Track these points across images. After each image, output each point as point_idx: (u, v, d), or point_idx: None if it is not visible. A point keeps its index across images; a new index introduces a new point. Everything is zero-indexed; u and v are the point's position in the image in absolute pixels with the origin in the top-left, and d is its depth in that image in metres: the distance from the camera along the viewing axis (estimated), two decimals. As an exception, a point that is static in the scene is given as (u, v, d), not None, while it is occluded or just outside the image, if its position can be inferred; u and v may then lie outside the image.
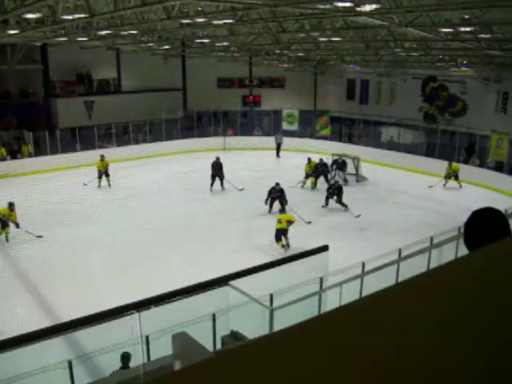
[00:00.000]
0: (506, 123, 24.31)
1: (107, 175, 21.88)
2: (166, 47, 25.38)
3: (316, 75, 34.37)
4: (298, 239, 14.77)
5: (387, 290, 0.99)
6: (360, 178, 23.27)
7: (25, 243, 14.99)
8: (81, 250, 14.13)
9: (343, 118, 31.15)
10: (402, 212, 18.65)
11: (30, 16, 14.66)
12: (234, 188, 20.93)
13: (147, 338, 6.52)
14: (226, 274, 7.31)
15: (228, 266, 8.98)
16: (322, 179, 21.91)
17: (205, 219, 17.40)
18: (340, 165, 23.48)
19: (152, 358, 6.51)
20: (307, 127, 31.66)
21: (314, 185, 21.80)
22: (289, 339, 0.85)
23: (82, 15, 13.62)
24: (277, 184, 18.35)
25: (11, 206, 15.68)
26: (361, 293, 9.45)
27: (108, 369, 7.08)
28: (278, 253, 13.99)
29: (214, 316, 7.07)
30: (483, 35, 14.37)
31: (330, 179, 22.13)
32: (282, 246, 14.94)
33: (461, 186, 22.05)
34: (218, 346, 6.83)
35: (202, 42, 22.26)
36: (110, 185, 21.92)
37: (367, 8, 11.24)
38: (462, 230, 2.53)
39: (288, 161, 26.68)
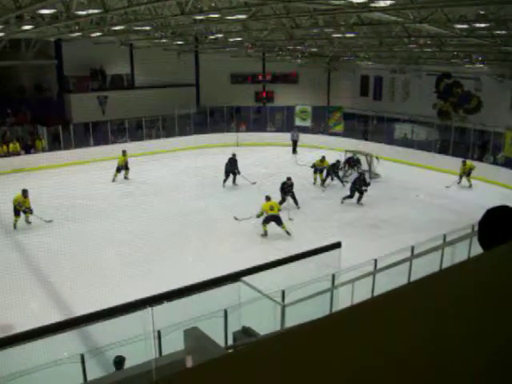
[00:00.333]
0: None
1: (127, 168, 22.46)
2: (180, 43, 25.43)
3: (329, 71, 34.24)
4: (310, 236, 14.78)
5: (400, 289, 0.98)
6: (373, 175, 23.17)
7: (36, 236, 15.17)
8: (94, 245, 14.25)
9: (356, 115, 30.99)
10: (415, 209, 18.56)
11: (44, 11, 14.77)
12: (248, 182, 20.93)
13: (159, 332, 6.55)
14: (238, 269, 7.33)
15: (239, 261, 9.00)
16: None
17: (217, 215, 17.43)
18: (354, 162, 23.40)
19: (164, 353, 6.54)
20: (320, 123, 31.57)
21: (323, 181, 21.73)
22: (301, 337, 0.85)
23: (96, 11, 13.70)
24: (288, 178, 18.48)
25: (25, 192, 16.53)
26: (373, 290, 9.43)
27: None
28: (289, 249, 13.98)
29: (225, 312, 7.08)
30: (499, 31, 14.23)
31: (342, 176, 22.09)
32: (265, 232, 15.57)
33: (470, 186, 21.89)
34: (230, 341, 6.85)
35: (215, 38, 22.27)
36: (127, 178, 22.42)
37: (382, 4, 11.18)
38: (476, 228, 2.51)
39: (301, 157, 26.63)
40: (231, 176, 21.28)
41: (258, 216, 15.90)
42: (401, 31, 16.22)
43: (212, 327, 6.82)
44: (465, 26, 13.90)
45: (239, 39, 22.56)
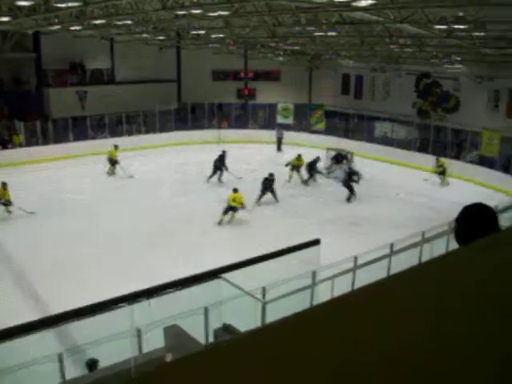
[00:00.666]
0: (497, 121, 24.46)
1: (116, 163, 22.35)
2: (161, 38, 25.28)
3: (311, 69, 34.33)
4: (290, 233, 14.81)
5: (378, 283, 1.00)
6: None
7: (13, 230, 15.03)
8: (73, 241, 14.13)
9: (338, 113, 31.12)
10: (394, 207, 18.72)
11: (22, 3, 14.51)
12: (234, 178, 20.86)
13: (139, 330, 6.52)
14: (219, 266, 7.33)
15: (221, 258, 8.99)
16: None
17: (199, 211, 17.36)
18: (341, 158, 23.64)
19: (144, 351, 6.51)
20: (302, 121, 31.65)
21: (306, 181, 21.86)
22: (281, 331, 0.86)
23: (76, 3, 13.56)
24: (270, 175, 18.77)
25: (4, 185, 16.57)
26: (353, 287, 9.50)
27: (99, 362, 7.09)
28: (270, 246, 14.01)
29: (206, 309, 7.08)
30: (477, 33, 14.40)
31: (327, 173, 22.58)
32: (220, 222, 16.31)
33: (443, 182, 22.33)
34: (211, 339, 6.85)
35: (197, 34, 22.19)
36: (113, 173, 22.33)
37: (363, 3, 11.25)
38: (453, 225, 2.55)
39: (283, 155, 26.63)
40: (218, 173, 21.25)
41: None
42: (382, 31, 16.33)
43: (193, 325, 6.82)
44: (444, 27, 14.05)
45: (221, 36, 22.51)
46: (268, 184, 18.66)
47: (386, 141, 27.68)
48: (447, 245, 10.37)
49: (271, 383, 0.73)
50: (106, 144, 24.04)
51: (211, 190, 20.23)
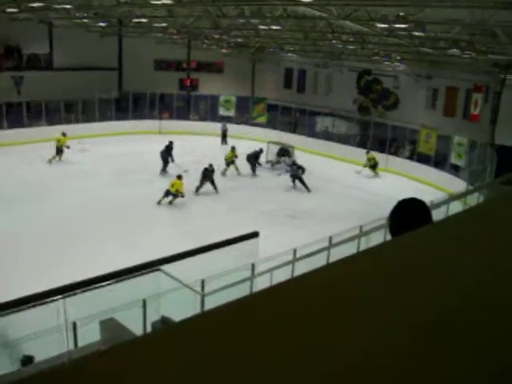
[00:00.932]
0: (435, 118, 25.30)
1: (61, 151, 22.02)
2: (102, 25, 24.64)
3: (254, 62, 34.38)
4: (230, 225, 14.82)
5: (313, 272, 1.01)
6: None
7: None
8: (4, 234, 13.64)
9: (280, 107, 31.34)
10: (332, 200, 19.06)
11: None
12: (180, 170, 20.60)
13: (74, 324, 6.37)
14: (157, 258, 7.26)
15: (160, 250, 8.90)
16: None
17: (136, 203, 17.10)
18: (284, 152, 23.90)
19: (79, 345, 6.38)
20: (244, 114, 31.67)
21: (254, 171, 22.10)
22: (217, 318, 0.86)
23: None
24: (210, 165, 18.96)
25: None
26: (291, 279, 9.59)
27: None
28: (208, 238, 13.99)
29: (144, 301, 7.00)
30: (417, 33, 14.78)
31: (272, 165, 23.10)
32: (159, 202, 17.13)
33: (377, 175, 23.27)
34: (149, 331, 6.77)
35: (139, 22, 21.78)
36: (60, 160, 22.00)
37: (307, -2, 11.33)
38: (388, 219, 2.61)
39: (225, 146, 26.58)
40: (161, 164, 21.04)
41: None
42: (325, 27, 16.52)
43: (131, 317, 6.73)
44: (385, 26, 14.34)
45: (164, 25, 22.18)
46: (207, 174, 18.78)
47: (327, 135, 28.10)
48: (384, 238, 10.63)
49: (205, 369, 0.73)
50: (42, 132, 23.28)
51: (151, 180, 19.95)
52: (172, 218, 16.20)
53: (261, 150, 22.42)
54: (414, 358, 0.78)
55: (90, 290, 6.10)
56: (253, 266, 9.15)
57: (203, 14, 17.26)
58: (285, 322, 0.85)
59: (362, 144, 26.81)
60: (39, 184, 18.57)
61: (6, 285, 9.48)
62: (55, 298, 5.87)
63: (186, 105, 32.44)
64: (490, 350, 0.79)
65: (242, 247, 8.32)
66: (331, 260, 10.16)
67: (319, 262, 9.84)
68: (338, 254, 10.07)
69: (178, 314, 6.77)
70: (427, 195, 9.19)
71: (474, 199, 13.48)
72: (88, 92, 27.24)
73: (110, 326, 5.27)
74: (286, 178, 21.10)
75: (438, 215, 2.53)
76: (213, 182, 18.89)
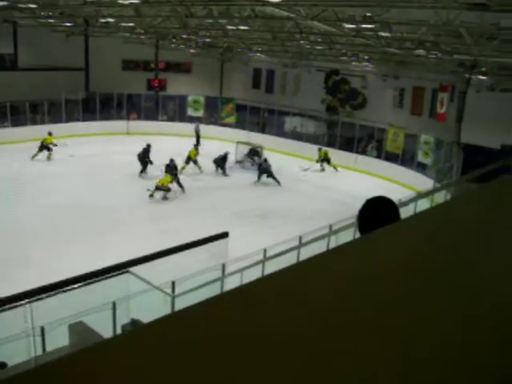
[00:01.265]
0: (402, 118, 25.69)
1: (49, 149, 22.54)
2: (68, 24, 24.28)
3: (223, 62, 34.34)
4: (200, 226, 14.77)
5: (284, 271, 1.02)
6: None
7: None
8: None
9: (248, 107, 31.37)
10: (302, 200, 19.16)
11: None
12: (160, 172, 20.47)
13: (42, 329, 6.26)
14: (126, 260, 7.18)
15: (129, 252, 8.82)
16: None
17: (106, 205, 16.89)
18: (254, 153, 24.05)
19: (48, 350, 6.27)
20: (213, 114, 31.59)
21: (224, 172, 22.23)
22: (185, 320, 0.86)
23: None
24: (171, 160, 19.07)
25: None
26: (262, 279, 9.60)
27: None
28: (178, 239, 13.92)
29: (114, 304, 6.92)
30: (383, 33, 14.96)
31: (243, 164, 23.60)
32: (151, 195, 17.74)
33: (337, 170, 23.88)
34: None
35: (106, 22, 21.54)
36: (49, 159, 22.52)
37: (275, -1, 11.35)
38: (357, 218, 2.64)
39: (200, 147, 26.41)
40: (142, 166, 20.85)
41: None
42: (293, 27, 16.59)
43: (100, 321, 6.64)
44: (353, 26, 14.47)
45: (132, 25, 21.97)
46: (168, 170, 18.68)
47: (296, 135, 28.23)
48: (354, 236, 10.73)
49: (176, 370, 0.72)
50: (6, 133, 22.83)
51: (121, 181, 19.75)
52: (141, 219, 16.05)
53: (227, 153, 22.41)
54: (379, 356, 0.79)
55: (59, 293, 6.00)
56: (223, 266, 9.14)
57: (171, 14, 17.16)
58: (255, 320, 0.85)
59: (330, 143, 27.02)
60: (4, 185, 18.19)
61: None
62: (22, 303, 5.76)
63: (154, 105, 32.19)
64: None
65: (211, 248, 8.29)
66: (301, 259, 10.22)
67: (289, 261, 9.88)
68: (307, 253, 10.14)
69: (148, 317, 6.72)
70: (395, 193, 9.30)
71: (441, 197, 13.73)
72: (54, 92, 26.81)
73: (78, 329, 5.20)
74: (254, 178, 21.18)
75: (405, 213, 2.57)
76: (177, 179, 18.83)
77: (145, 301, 7.29)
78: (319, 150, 24.43)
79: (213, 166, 22.11)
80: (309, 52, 25.11)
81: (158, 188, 17.86)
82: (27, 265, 11.75)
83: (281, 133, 28.76)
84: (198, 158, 22.09)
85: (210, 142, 24.57)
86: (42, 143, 22.44)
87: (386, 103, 27.08)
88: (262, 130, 29.90)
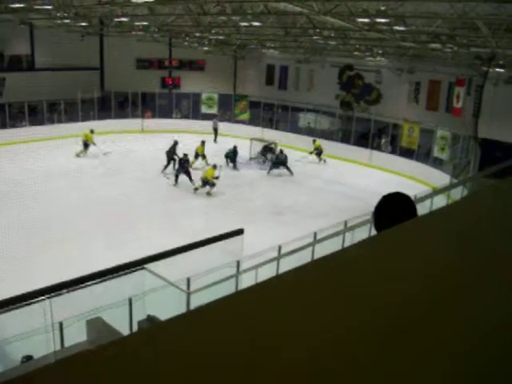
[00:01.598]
0: (418, 112, 25.46)
1: (88, 146, 23.69)
2: (83, 24, 24.44)
3: (236, 59, 34.33)
4: (214, 223, 14.81)
5: (301, 268, 1.01)
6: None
7: None
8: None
9: (262, 103, 31.33)
10: (317, 196, 19.11)
11: None
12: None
13: (61, 324, 6.33)
14: (142, 257, 7.22)
15: (145, 249, 8.87)
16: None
17: (124, 202, 17.00)
18: (268, 150, 24.06)
19: (66, 345, 6.33)
20: (226, 111, 31.62)
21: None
22: (203, 317, 0.86)
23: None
24: (185, 155, 19.66)
25: None
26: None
27: (19, 358, 6.83)
28: (194, 236, 13.96)
29: (130, 300, 6.97)
30: (397, 27, 14.86)
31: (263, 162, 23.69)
32: (196, 188, 18.62)
33: (325, 161, 24.47)
34: (135, 330, 6.74)
35: (120, 21, 21.65)
36: (84, 154, 23.60)
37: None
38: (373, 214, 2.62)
39: (209, 144, 26.51)
40: (171, 163, 21.09)
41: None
42: (306, 23, 16.54)
43: (117, 316, 6.69)
44: (366, 20, 14.39)
45: (145, 23, 22.06)
46: (181, 164, 19.52)
47: (310, 131, 28.16)
48: (369, 233, 10.68)
49: (192, 368, 0.72)
50: (23, 132, 23.04)
51: (139, 178, 19.87)
52: (157, 216, 16.10)
53: (235, 147, 22.92)
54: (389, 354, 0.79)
55: (76, 289, 6.06)
56: (238, 263, 9.15)
57: (184, 12, 17.20)
58: (271, 319, 0.85)
59: (344, 139, 26.92)
60: (27, 182, 18.34)
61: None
62: (41, 299, 5.82)
63: (168, 103, 32.30)
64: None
65: (226, 244, 8.30)
66: (316, 256, 10.20)
67: (304, 258, 9.88)
68: (322, 249, 10.12)
69: (164, 313, 6.76)
70: (411, 189, 9.26)
71: (457, 193, 13.63)
72: (70, 92, 27.09)
73: (96, 325, 5.25)
74: (269, 175, 21.22)
75: (421, 209, 2.55)
76: (188, 173, 19.38)
77: (160, 297, 7.33)
78: (314, 141, 24.98)
79: (224, 162, 22.38)
80: (322, 47, 25.01)
81: (204, 183, 18.39)
82: (46, 262, 11.87)
83: (295, 129, 28.70)
84: (211, 154, 22.25)
85: (224, 139, 24.59)
86: (84, 140, 23.42)
87: (401, 98, 26.86)
88: (271, 126, 29.87)
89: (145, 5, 16.03)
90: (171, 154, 21.12)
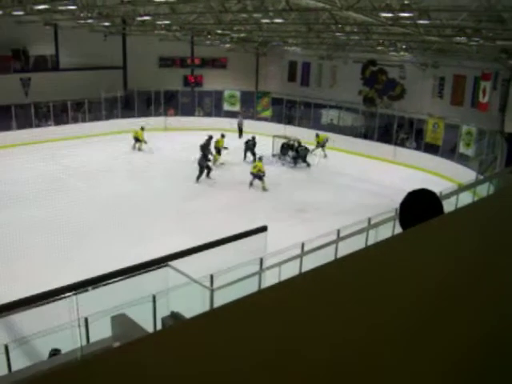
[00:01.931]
0: (442, 108, 25.14)
1: (138, 141, 24.81)
2: (106, 24, 24.67)
3: (258, 56, 34.31)
4: (237, 220, 14.83)
5: (324, 267, 1.00)
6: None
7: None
8: (20, 232, 13.68)
9: (284, 100, 31.25)
10: (340, 193, 19.01)
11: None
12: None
13: (86, 320, 6.41)
14: (165, 254, 7.26)
15: (169, 246, 8.91)
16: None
17: (148, 200, 17.12)
18: (290, 147, 24.03)
19: (91, 341, 6.41)
20: (249, 108, 31.63)
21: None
22: (226, 315, 0.86)
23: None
24: (253, 137, 21.38)
25: None
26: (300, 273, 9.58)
27: (46, 352, 6.94)
28: (217, 233, 14.01)
29: (154, 297, 7.02)
30: (421, 21, 14.67)
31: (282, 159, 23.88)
32: (251, 184, 19.15)
33: (325, 156, 24.71)
34: (159, 327, 6.80)
35: (143, 20, 21.79)
36: (141, 149, 24.86)
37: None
38: (398, 211, 2.60)
39: (230, 141, 26.51)
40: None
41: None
42: (328, 18, 16.43)
43: (141, 313, 6.75)
44: (390, 15, 14.24)
45: (167, 22, 22.17)
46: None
47: (333, 128, 27.99)
48: (393, 231, 10.60)
49: (216, 366, 0.72)
50: (49, 131, 23.35)
51: (158, 178, 19.98)
52: (180, 213, 16.18)
53: (254, 137, 23.32)
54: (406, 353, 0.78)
55: (101, 286, 6.12)
56: (261, 260, 9.15)
57: (206, 10, 17.24)
58: (294, 317, 0.84)
59: (368, 136, 26.72)
60: (53, 181, 18.61)
61: (13, 281, 9.53)
62: (67, 295, 5.90)
63: (190, 101, 32.43)
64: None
65: (250, 242, 8.31)
66: (340, 253, 10.15)
67: (327, 255, 9.85)
68: (346, 247, 10.07)
69: (187, 310, 6.80)
70: (436, 186, 9.16)
71: (484, 189, 13.43)
72: (94, 91, 27.40)
73: (121, 321, 5.30)
74: (292, 172, 21.15)
75: (447, 206, 2.51)
76: (208, 167, 20.06)
77: (184, 294, 7.37)
78: (317, 135, 25.17)
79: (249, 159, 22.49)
80: (345, 43, 24.85)
81: (256, 176, 18.89)
82: (72, 259, 12.02)
83: (317, 125, 28.56)
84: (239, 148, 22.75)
85: (247, 136, 24.59)
86: (135, 137, 24.54)
87: (425, 93, 26.55)
88: (299, 123, 29.76)
89: (166, 4, 16.11)
90: (205, 148, 21.18)
